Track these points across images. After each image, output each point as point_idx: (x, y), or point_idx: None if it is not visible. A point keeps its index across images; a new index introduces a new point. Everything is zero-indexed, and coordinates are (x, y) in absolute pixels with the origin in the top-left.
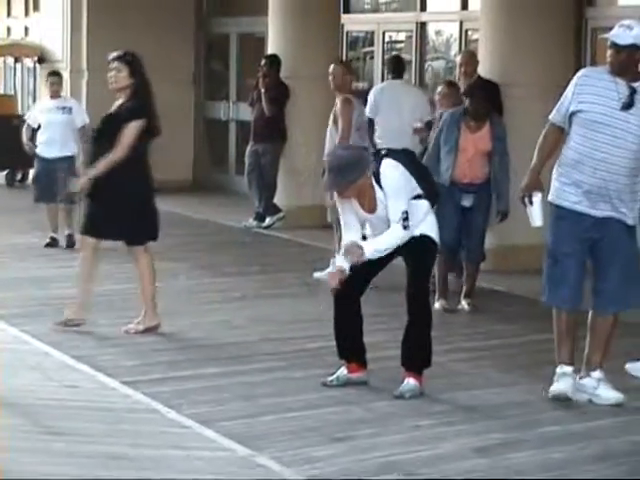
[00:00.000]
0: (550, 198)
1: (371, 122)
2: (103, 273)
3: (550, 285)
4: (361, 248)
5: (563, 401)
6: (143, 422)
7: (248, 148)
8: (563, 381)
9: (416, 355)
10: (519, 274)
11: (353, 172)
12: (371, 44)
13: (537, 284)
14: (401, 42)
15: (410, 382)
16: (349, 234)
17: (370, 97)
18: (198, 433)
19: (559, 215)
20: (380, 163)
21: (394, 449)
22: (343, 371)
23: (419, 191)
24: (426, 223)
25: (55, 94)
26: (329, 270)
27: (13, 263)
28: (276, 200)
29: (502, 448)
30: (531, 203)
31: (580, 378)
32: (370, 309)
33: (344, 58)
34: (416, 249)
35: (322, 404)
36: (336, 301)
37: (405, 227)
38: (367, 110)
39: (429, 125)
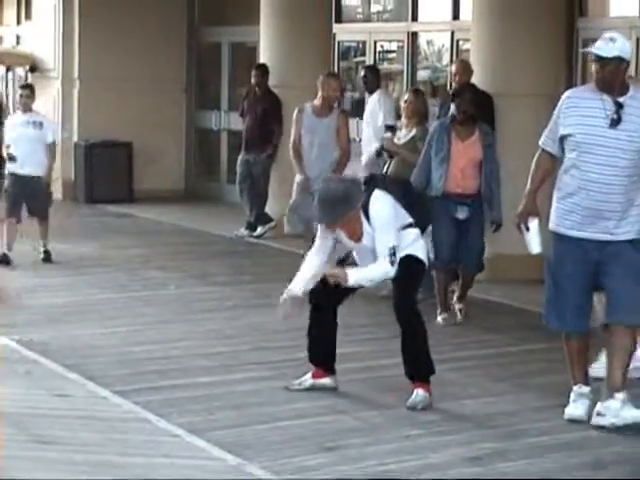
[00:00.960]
0: (550, 225)
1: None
2: (90, 283)
3: (550, 307)
4: (346, 274)
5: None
6: (133, 431)
7: (239, 158)
8: (581, 403)
9: (414, 365)
10: (512, 284)
11: (344, 207)
12: (363, 54)
13: (530, 294)
14: (392, 52)
15: (420, 393)
16: (314, 258)
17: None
18: (188, 442)
19: (558, 240)
20: (370, 194)
21: (385, 458)
22: (308, 376)
23: (409, 220)
24: (413, 246)
25: (26, 107)
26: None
27: None
28: (267, 209)
29: (494, 457)
30: (527, 229)
31: (603, 400)
32: (359, 319)
33: (335, 68)
34: (401, 266)
35: (312, 413)
36: (312, 311)
37: (392, 262)
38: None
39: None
